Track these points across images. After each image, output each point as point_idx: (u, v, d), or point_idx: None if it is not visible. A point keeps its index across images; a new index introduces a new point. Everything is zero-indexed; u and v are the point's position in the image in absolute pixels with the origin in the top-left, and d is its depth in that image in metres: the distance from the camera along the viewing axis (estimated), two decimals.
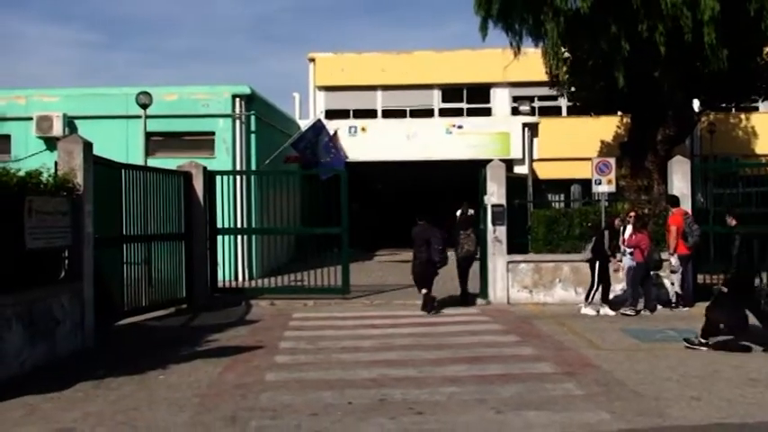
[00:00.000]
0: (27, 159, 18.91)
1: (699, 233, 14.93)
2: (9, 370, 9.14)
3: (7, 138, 21.03)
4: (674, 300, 14.97)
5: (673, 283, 15.10)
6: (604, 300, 14.49)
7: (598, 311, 14.32)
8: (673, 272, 14.92)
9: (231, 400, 8.10)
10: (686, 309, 14.63)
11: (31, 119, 20.59)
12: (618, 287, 15.20)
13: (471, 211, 17.56)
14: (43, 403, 8.10)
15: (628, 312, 14.20)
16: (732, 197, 16.47)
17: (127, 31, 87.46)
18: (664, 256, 15.04)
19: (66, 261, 10.95)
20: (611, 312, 14.30)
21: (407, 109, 32.91)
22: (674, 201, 15.23)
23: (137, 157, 17.17)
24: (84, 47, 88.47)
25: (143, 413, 7.60)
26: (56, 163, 11.23)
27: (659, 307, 14.82)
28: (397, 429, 6.96)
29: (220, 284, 16.86)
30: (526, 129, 28.97)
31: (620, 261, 14.94)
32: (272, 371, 9.61)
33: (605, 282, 14.54)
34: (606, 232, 14.63)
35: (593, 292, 14.51)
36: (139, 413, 7.60)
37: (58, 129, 20.32)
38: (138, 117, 17.90)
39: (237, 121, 20.84)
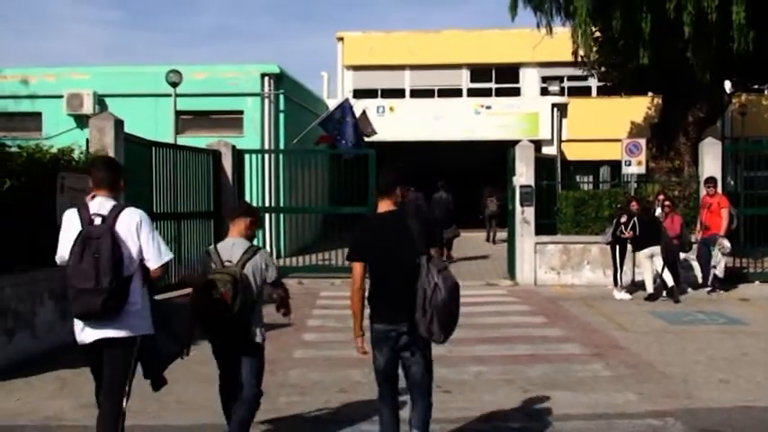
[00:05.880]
0: (58, 137, 19.10)
1: (738, 215, 14.90)
2: (41, 344, 9.29)
3: (38, 115, 21.24)
4: (714, 284, 14.55)
5: (714, 266, 14.51)
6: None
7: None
8: (725, 254, 14.62)
9: None
10: (721, 292, 14.49)
11: (61, 97, 20.75)
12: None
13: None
14: (75, 377, 8.22)
15: (662, 296, 14.07)
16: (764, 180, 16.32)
17: (150, 8, 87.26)
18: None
19: None
20: (628, 296, 14.20)
21: (435, 89, 32.74)
22: (716, 182, 15.01)
23: (166, 136, 17.24)
24: (107, 24, 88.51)
25: (174, 388, 7.64)
26: (87, 140, 11.34)
27: (689, 290, 14.73)
28: None
29: None
30: (555, 109, 28.76)
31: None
32: (301, 348, 9.70)
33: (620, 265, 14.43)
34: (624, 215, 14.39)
35: (619, 275, 14.42)
36: (170, 388, 7.66)
37: (88, 106, 20.47)
38: (168, 95, 17.97)
39: (266, 100, 20.88)
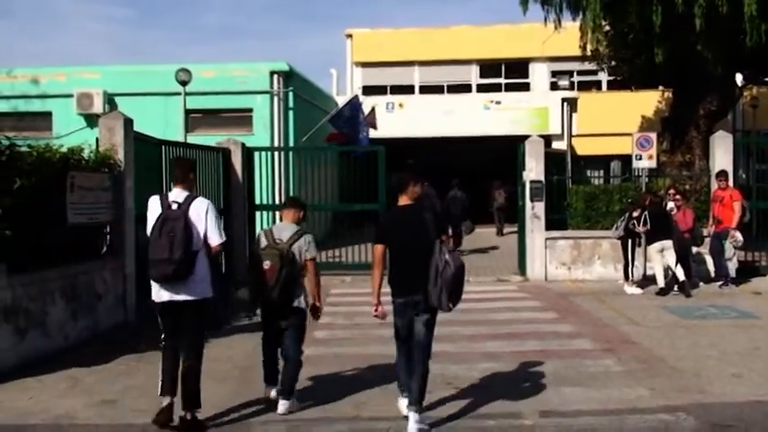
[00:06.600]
0: (68, 136, 19.15)
1: (750, 208, 14.85)
2: (53, 343, 9.32)
3: (49, 115, 21.33)
4: (730, 276, 14.47)
5: (729, 259, 14.47)
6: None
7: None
8: (737, 247, 14.51)
9: None
10: (733, 286, 14.41)
11: (71, 96, 20.82)
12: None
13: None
14: (87, 376, 8.26)
15: (674, 290, 13.98)
16: None
17: (157, 6, 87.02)
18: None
19: (108, 236, 11.09)
20: (639, 291, 14.14)
21: (445, 85, 32.72)
22: (727, 175, 14.92)
23: (176, 134, 17.25)
24: (113, 22, 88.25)
25: None
26: (97, 139, 11.34)
27: (701, 284, 14.66)
28: (434, 403, 6.98)
29: None
30: (565, 104, 28.68)
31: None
32: (311, 345, 9.64)
33: (632, 260, 14.37)
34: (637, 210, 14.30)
35: (630, 269, 14.36)
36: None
37: (98, 106, 20.55)
38: (178, 94, 17.99)
39: (275, 98, 20.91)
